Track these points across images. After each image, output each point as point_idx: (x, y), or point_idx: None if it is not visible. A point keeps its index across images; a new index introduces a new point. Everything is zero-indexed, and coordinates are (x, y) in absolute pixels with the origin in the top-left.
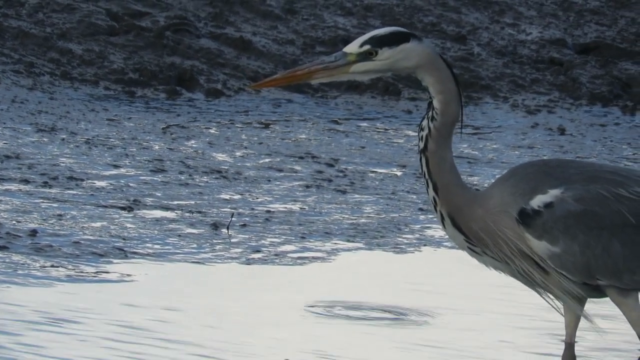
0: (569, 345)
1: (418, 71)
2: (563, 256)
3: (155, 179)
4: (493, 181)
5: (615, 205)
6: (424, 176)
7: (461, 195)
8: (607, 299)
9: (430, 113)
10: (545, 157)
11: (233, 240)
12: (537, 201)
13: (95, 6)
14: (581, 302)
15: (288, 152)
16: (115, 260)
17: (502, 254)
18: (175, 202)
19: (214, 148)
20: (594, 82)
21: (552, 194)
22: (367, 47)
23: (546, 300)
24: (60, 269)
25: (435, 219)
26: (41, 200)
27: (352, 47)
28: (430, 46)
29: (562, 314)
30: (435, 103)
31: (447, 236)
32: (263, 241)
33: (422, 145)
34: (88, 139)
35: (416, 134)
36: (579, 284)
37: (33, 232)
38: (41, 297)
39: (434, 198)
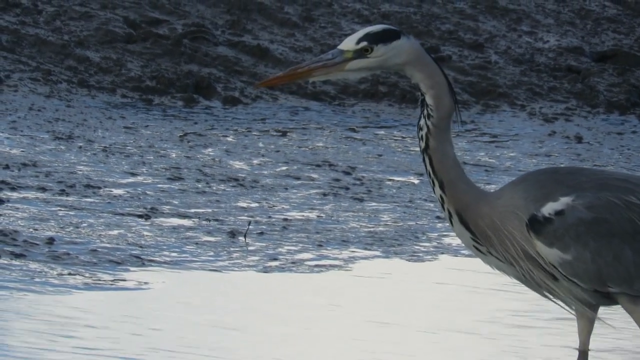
0: (583, 353)
1: (407, 68)
2: (574, 264)
3: (173, 186)
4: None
5: (626, 212)
6: (429, 175)
7: (467, 191)
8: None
9: (425, 111)
10: (561, 165)
11: (250, 248)
12: (548, 208)
13: (112, 14)
14: (591, 306)
15: (305, 160)
16: (132, 268)
17: (508, 254)
18: (193, 210)
19: (231, 156)
20: (611, 90)
21: (563, 202)
22: (363, 43)
23: (555, 302)
24: (77, 277)
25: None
26: (58, 208)
27: (349, 44)
28: (416, 43)
29: (572, 313)
30: (428, 99)
31: (455, 235)
32: (280, 249)
33: (423, 144)
34: (105, 146)
35: None
36: (590, 292)
37: (50, 240)
38: (58, 305)
39: (440, 196)
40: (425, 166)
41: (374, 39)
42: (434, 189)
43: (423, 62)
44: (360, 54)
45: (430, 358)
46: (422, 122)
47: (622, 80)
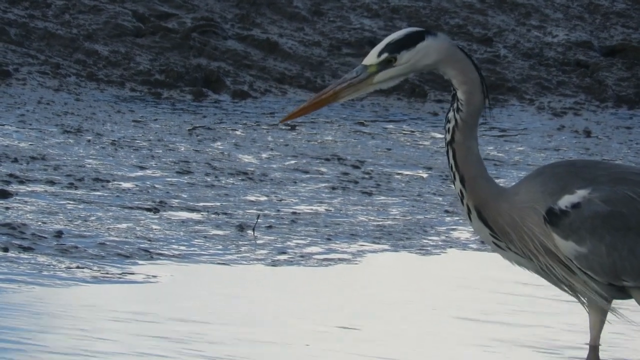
0: (593, 348)
1: (439, 66)
2: (589, 257)
3: (181, 180)
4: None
5: None
6: (451, 169)
7: (488, 188)
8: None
9: (455, 105)
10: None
11: (259, 241)
12: (565, 201)
13: (121, 7)
14: (607, 299)
15: (314, 154)
16: (140, 262)
17: (527, 249)
18: (201, 204)
19: (240, 150)
20: (620, 85)
21: (580, 195)
22: (385, 55)
23: (572, 296)
24: (85, 270)
25: (461, 219)
26: (67, 202)
27: (371, 59)
28: (446, 39)
29: (586, 310)
30: (460, 94)
31: (473, 231)
32: (289, 243)
33: (449, 137)
34: (114, 140)
35: (442, 135)
36: (604, 285)
37: (58, 234)
38: (66, 299)
39: (460, 191)
40: (448, 159)
41: (395, 48)
42: (454, 183)
43: (455, 58)
44: (385, 65)
45: (437, 351)
46: (450, 114)
47: (630, 75)
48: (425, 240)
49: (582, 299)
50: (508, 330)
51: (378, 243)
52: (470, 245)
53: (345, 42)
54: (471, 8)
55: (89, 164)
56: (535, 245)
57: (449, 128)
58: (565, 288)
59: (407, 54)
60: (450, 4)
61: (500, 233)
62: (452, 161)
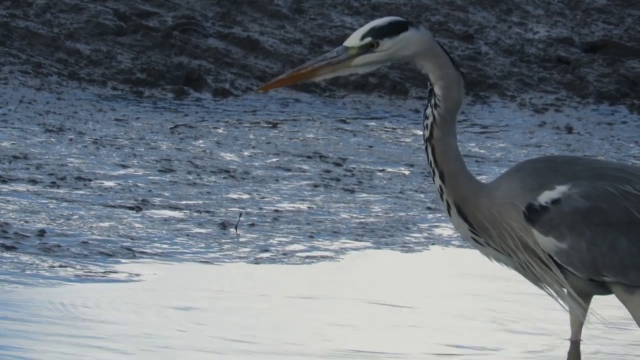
0: (575, 343)
1: (417, 59)
2: (570, 252)
3: (164, 178)
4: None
5: (622, 202)
6: (430, 165)
7: (467, 184)
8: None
9: (432, 100)
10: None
11: (241, 239)
12: (545, 197)
13: (102, 6)
14: (583, 297)
15: (296, 151)
16: (123, 260)
17: (506, 245)
18: (184, 202)
19: (222, 148)
20: (601, 81)
21: (559, 190)
22: (368, 39)
23: (549, 294)
24: (68, 269)
25: (443, 216)
26: (49, 201)
27: (353, 41)
28: (427, 33)
29: (565, 309)
30: (436, 89)
31: (453, 226)
32: (271, 240)
33: (427, 133)
34: (96, 139)
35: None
36: (585, 280)
37: (41, 232)
38: (49, 297)
39: (440, 187)
40: (427, 155)
41: (379, 34)
42: (433, 179)
43: (433, 53)
44: (366, 49)
45: (421, 346)
46: (428, 111)
47: (612, 71)
48: (407, 238)
49: (560, 298)
50: (490, 326)
51: (360, 240)
52: (453, 242)
53: (327, 39)
54: (452, 5)
55: (71, 163)
56: (514, 241)
57: (427, 124)
58: (545, 285)
59: (389, 41)
60: (431, 0)
61: (480, 229)
62: (431, 157)
